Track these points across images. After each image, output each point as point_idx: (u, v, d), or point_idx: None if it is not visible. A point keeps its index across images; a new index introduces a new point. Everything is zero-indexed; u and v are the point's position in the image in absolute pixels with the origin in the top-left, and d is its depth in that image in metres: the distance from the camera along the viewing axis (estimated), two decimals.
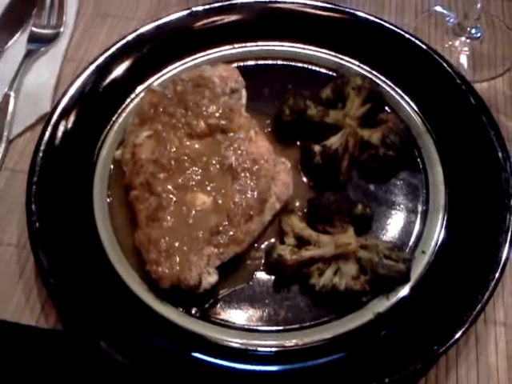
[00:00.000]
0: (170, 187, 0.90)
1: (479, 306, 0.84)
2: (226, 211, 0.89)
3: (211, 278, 0.86)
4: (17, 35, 1.20)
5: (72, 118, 1.01)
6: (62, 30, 1.20)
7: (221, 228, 0.87)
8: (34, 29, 1.20)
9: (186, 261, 0.85)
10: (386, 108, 1.06)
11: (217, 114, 0.97)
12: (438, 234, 0.93)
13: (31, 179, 0.94)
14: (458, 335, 0.81)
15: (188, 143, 0.95)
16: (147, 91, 1.03)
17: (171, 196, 0.90)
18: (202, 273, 0.85)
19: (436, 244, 0.92)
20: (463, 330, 0.82)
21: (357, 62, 1.10)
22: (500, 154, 0.97)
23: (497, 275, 0.86)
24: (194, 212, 0.89)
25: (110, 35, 1.19)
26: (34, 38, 1.18)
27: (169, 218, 0.88)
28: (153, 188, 0.90)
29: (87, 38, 1.20)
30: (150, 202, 0.90)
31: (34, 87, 1.12)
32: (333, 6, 1.14)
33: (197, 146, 0.95)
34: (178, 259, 0.85)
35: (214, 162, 0.93)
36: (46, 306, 0.90)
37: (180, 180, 0.91)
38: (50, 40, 1.18)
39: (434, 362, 0.84)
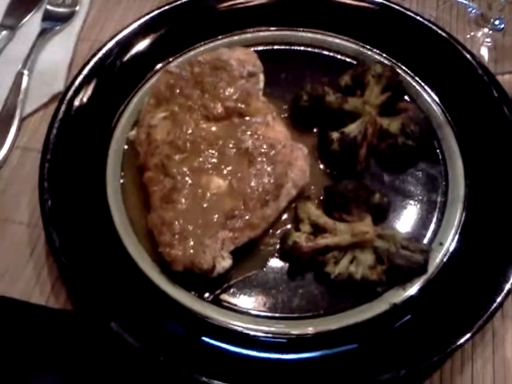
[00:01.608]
0: (185, 169, 0.89)
1: (497, 300, 0.82)
2: (242, 195, 0.87)
3: (225, 263, 0.84)
4: (31, 13, 1.18)
5: (86, 97, 1.00)
6: (77, 8, 1.19)
7: (236, 212, 0.86)
8: (48, 7, 1.19)
9: (200, 244, 0.84)
10: (406, 97, 1.05)
11: (234, 97, 0.96)
12: (456, 225, 0.92)
13: (45, 157, 0.93)
14: (474, 329, 0.80)
15: (204, 126, 0.94)
16: (164, 72, 1.01)
17: (186, 178, 0.88)
18: (216, 257, 0.84)
19: (454, 236, 0.91)
20: (480, 323, 0.80)
21: (377, 50, 1.09)
22: None
23: None
24: (208, 195, 0.87)
25: (126, 15, 1.17)
26: (48, 17, 1.17)
27: (183, 200, 0.87)
28: (167, 170, 0.89)
29: (102, 18, 1.19)
30: (164, 183, 0.88)
31: (47, 66, 1.11)
32: None
33: (213, 128, 0.94)
34: (191, 242, 0.84)
35: (230, 145, 0.91)
36: (56, 286, 0.89)
37: (195, 163, 0.90)
38: (64, 19, 1.17)
39: (450, 355, 0.82)
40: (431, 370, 0.83)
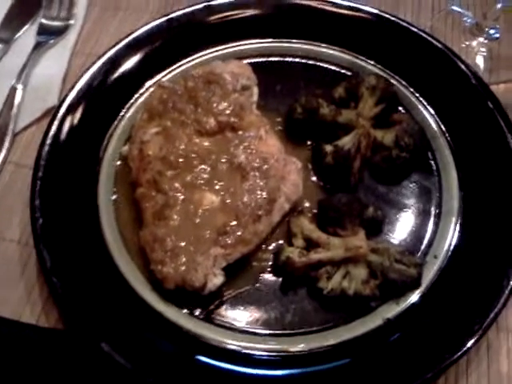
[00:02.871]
0: (177, 185, 0.89)
1: (492, 313, 0.82)
2: (234, 211, 0.87)
3: (217, 280, 0.84)
4: (26, 26, 1.18)
5: (79, 113, 1.00)
6: (71, 22, 1.19)
7: (228, 228, 0.86)
8: (43, 20, 1.18)
9: (192, 261, 0.83)
10: (400, 109, 1.04)
11: (227, 112, 0.95)
12: (450, 238, 0.91)
13: (36, 174, 0.93)
14: (469, 344, 0.79)
15: (197, 140, 0.93)
16: (157, 86, 1.01)
17: (178, 194, 0.88)
18: (207, 274, 0.83)
19: (449, 249, 0.90)
20: (475, 338, 0.80)
21: (371, 61, 1.08)
22: None
23: (511, 282, 0.84)
24: (201, 211, 0.87)
25: (121, 28, 1.17)
26: (43, 30, 1.17)
27: (175, 216, 0.86)
28: (160, 186, 0.89)
29: (97, 31, 1.19)
30: (156, 199, 0.88)
31: (41, 80, 1.10)
32: (348, 4, 1.12)
33: (206, 143, 0.93)
34: (183, 259, 0.83)
35: (223, 160, 0.91)
36: (47, 305, 0.89)
37: (188, 178, 0.90)
38: (59, 32, 1.17)
39: (444, 371, 0.81)
40: None
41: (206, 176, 0.90)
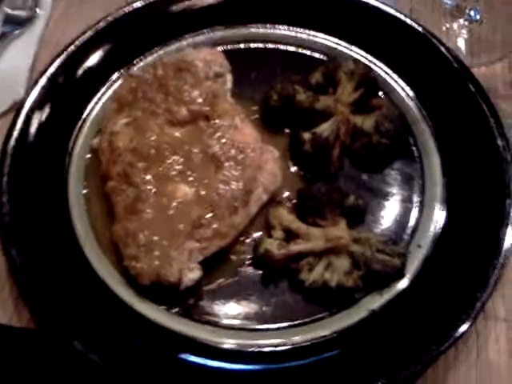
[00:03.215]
0: (149, 177, 0.86)
1: (479, 303, 0.79)
2: (209, 203, 0.84)
3: (193, 274, 0.81)
4: None
5: (46, 105, 0.96)
6: (38, 11, 1.15)
7: (203, 221, 0.83)
8: (7, 10, 1.14)
9: (166, 256, 0.80)
10: (380, 94, 1.01)
11: (199, 100, 0.92)
12: (434, 226, 0.89)
13: (1, 169, 0.89)
14: (457, 334, 0.77)
15: (169, 131, 0.90)
16: (126, 76, 0.98)
17: (150, 187, 0.85)
18: (182, 269, 0.80)
19: (433, 237, 0.88)
20: (463, 328, 0.78)
21: (349, 45, 1.05)
22: (500, 142, 0.92)
23: (497, 270, 0.82)
24: (174, 204, 0.84)
25: (90, 17, 1.10)
26: (7, 20, 1.12)
27: (148, 210, 0.83)
28: (131, 178, 0.86)
29: (65, 20, 1.14)
30: (127, 193, 0.85)
31: (7, 72, 1.06)
32: None
33: (178, 133, 0.90)
34: (157, 254, 0.81)
35: (196, 150, 0.88)
36: (18, 305, 0.85)
37: (160, 170, 0.86)
38: (24, 22, 1.13)
39: (432, 362, 0.79)
40: (413, 379, 0.79)
41: (178, 167, 0.87)
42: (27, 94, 0.97)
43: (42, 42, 1.12)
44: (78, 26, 1.09)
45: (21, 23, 1.12)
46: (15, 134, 0.93)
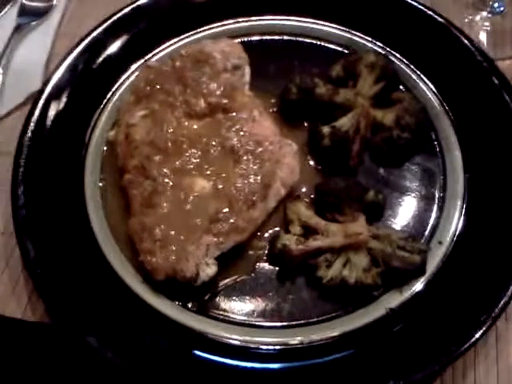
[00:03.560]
0: (166, 171, 0.85)
1: (501, 303, 0.78)
2: (227, 197, 0.83)
3: (210, 270, 0.80)
4: (6, 8, 1.14)
5: (63, 97, 0.96)
6: (54, 2, 1.14)
7: (221, 215, 0.82)
8: (24, 1, 1.14)
9: (183, 251, 0.80)
10: (401, 87, 1.00)
11: (218, 92, 0.91)
12: (456, 223, 0.87)
13: (18, 161, 0.89)
14: (477, 335, 0.76)
15: (186, 123, 0.89)
16: (143, 67, 0.97)
17: (167, 180, 0.84)
18: (199, 264, 0.80)
19: (454, 234, 0.86)
20: (483, 329, 0.76)
21: (369, 38, 1.04)
22: None
23: None
24: (191, 198, 0.83)
25: (107, 8, 1.10)
26: (24, 12, 1.12)
27: (164, 204, 0.83)
28: (148, 172, 0.85)
29: (82, 12, 1.14)
30: (144, 186, 0.84)
31: (23, 64, 1.06)
32: None
33: (196, 126, 0.89)
34: (173, 249, 0.80)
35: (214, 143, 0.87)
36: (32, 298, 0.85)
37: (177, 163, 0.86)
38: (41, 13, 1.12)
39: (451, 363, 0.78)
40: (431, 379, 0.78)
41: (196, 161, 0.86)
42: (44, 85, 0.97)
43: (59, 34, 1.12)
44: (94, 18, 1.08)
45: (37, 15, 1.12)
46: (32, 125, 0.92)
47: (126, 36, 1.03)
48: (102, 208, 0.89)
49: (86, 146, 0.93)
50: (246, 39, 1.05)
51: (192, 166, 0.85)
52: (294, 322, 0.81)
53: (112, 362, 0.75)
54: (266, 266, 0.85)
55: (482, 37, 1.08)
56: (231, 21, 1.06)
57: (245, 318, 0.81)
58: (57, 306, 0.80)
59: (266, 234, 0.87)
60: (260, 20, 1.06)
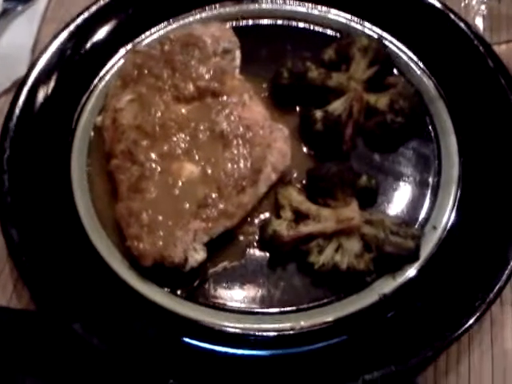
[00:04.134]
0: (153, 156, 0.84)
1: (496, 288, 0.77)
2: (216, 182, 0.82)
3: (198, 256, 0.79)
4: None
5: (50, 82, 0.95)
6: None
7: (209, 200, 0.81)
8: None
9: (171, 236, 0.78)
10: (395, 71, 0.98)
11: (207, 76, 0.90)
12: (450, 208, 0.86)
13: (3, 146, 0.87)
14: (471, 321, 0.75)
15: (175, 108, 0.88)
16: (131, 51, 0.96)
17: (155, 165, 0.83)
18: (187, 249, 0.78)
19: (448, 219, 0.85)
20: (478, 315, 0.75)
21: (362, 21, 1.02)
22: None
23: None
24: (180, 183, 0.82)
25: None
26: None
27: (152, 189, 0.82)
28: (135, 156, 0.84)
29: None
30: (131, 171, 0.83)
31: (9, 49, 1.05)
32: None
33: (184, 110, 0.88)
34: (161, 234, 0.79)
35: (203, 128, 0.86)
36: (18, 286, 0.84)
37: (165, 148, 0.84)
38: None
39: (445, 349, 0.77)
40: (425, 364, 0.77)
41: (184, 145, 0.84)
42: (30, 70, 0.95)
43: (45, 19, 1.10)
44: (82, 2, 1.06)
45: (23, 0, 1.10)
46: (17, 110, 0.91)
47: (114, 20, 1.01)
48: (88, 193, 0.88)
49: (73, 132, 0.92)
50: (236, 23, 1.03)
51: (180, 151, 0.84)
52: (285, 309, 0.80)
53: (98, 348, 0.74)
54: (257, 251, 0.84)
55: (479, 21, 1.07)
56: (221, 4, 1.04)
57: (235, 304, 0.80)
58: (42, 294, 0.78)
59: (257, 220, 0.86)
60: (251, 4, 1.04)
